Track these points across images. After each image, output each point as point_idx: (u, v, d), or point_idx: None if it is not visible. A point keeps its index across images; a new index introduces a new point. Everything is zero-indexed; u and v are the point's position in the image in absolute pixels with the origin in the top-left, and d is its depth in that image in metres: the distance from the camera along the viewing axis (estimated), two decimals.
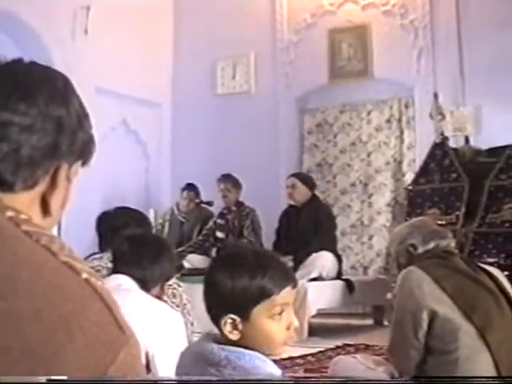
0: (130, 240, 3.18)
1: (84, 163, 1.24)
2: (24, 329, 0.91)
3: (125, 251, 3.10)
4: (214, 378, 2.04)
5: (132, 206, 4.57)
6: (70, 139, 1.17)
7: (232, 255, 2.23)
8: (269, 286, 2.06)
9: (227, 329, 2.05)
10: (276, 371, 2.06)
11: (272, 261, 2.16)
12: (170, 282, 3.64)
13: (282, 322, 2.09)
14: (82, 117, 1.21)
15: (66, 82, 1.22)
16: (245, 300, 2.04)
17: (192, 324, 3.84)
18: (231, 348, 2.06)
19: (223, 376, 2.00)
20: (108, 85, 8.86)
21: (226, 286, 2.05)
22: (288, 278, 2.13)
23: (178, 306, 3.73)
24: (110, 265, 3.33)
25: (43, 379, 0.88)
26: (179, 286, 3.96)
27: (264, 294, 2.05)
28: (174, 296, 3.74)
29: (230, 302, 2.05)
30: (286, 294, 2.10)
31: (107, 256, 3.66)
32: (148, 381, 0.97)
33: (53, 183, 1.16)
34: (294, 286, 2.15)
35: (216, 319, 2.09)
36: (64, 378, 0.89)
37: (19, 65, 1.21)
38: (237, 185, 8.41)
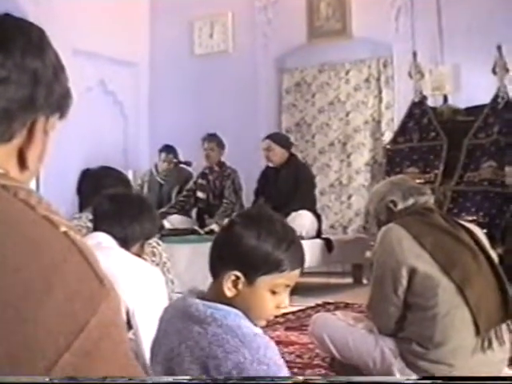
0: (111, 199, 3.17)
1: (61, 116, 1.23)
2: (3, 283, 0.90)
3: (106, 209, 3.09)
4: (195, 336, 2.05)
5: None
6: (47, 91, 1.16)
7: (261, 216, 2.19)
8: (286, 261, 2.07)
9: (227, 284, 2.05)
10: (259, 332, 2.07)
11: (295, 239, 2.17)
12: (150, 241, 3.63)
13: (276, 299, 2.11)
14: (59, 69, 1.20)
15: (41, 33, 1.21)
16: (259, 264, 2.06)
17: (172, 282, 3.84)
18: (217, 305, 2.06)
19: (207, 333, 2.01)
20: (84, 45, 8.80)
21: (248, 244, 2.05)
22: (302, 261, 2.16)
23: (157, 264, 3.73)
24: (89, 224, 3.32)
25: (44, 379, 0.87)
26: (159, 244, 3.96)
27: (278, 268, 2.07)
28: (154, 254, 3.73)
29: (244, 260, 2.06)
30: (293, 275, 2.12)
31: (86, 215, 3.65)
32: (148, 381, 0.96)
33: (30, 136, 1.15)
34: (302, 271, 2.16)
35: (218, 271, 2.10)
36: (64, 377, 0.89)
37: None
38: (220, 145, 8.40)
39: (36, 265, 0.93)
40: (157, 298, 2.85)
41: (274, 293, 2.10)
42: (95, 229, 3.08)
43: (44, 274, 0.93)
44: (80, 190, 4.08)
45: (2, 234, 0.94)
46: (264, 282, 2.07)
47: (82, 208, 3.96)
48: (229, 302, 2.07)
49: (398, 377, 3.61)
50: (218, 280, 2.09)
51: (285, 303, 2.15)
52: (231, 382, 1.30)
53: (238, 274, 2.05)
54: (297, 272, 2.13)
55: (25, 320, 0.89)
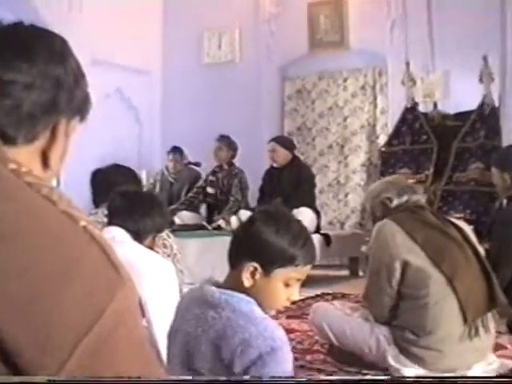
0: (124, 195, 3.17)
1: (81, 119, 1.24)
2: (28, 276, 0.90)
3: (119, 205, 3.10)
4: (211, 320, 2.05)
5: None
6: (68, 96, 1.16)
7: (280, 215, 2.23)
8: (300, 257, 2.11)
9: (246, 274, 2.08)
10: (265, 317, 2.08)
11: (309, 237, 2.21)
12: (161, 234, 3.61)
13: (288, 291, 2.14)
14: (79, 76, 1.21)
15: (63, 43, 1.22)
16: (275, 258, 2.09)
17: (182, 272, 3.82)
18: (232, 292, 2.09)
19: (221, 318, 2.03)
20: (103, 56, 8.80)
21: (267, 239, 2.09)
22: (314, 258, 2.20)
23: (168, 255, 3.71)
24: (105, 219, 3.32)
25: (43, 379, 0.87)
26: (169, 236, 3.95)
27: (292, 262, 2.10)
28: (165, 246, 3.73)
29: (263, 253, 2.09)
30: (305, 270, 2.16)
31: (101, 211, 3.64)
32: (149, 381, 0.96)
33: (52, 138, 1.15)
34: (312, 266, 2.19)
35: (237, 262, 2.13)
36: (64, 378, 0.89)
37: (20, 27, 1.20)
38: (230, 146, 8.38)
39: (57, 257, 0.93)
40: (168, 289, 2.86)
41: (287, 285, 2.13)
42: (109, 223, 3.07)
43: (64, 266, 0.93)
44: (93, 187, 4.07)
45: (25, 228, 0.94)
46: (279, 274, 2.10)
47: (97, 204, 3.95)
48: (245, 290, 2.09)
49: (392, 362, 3.61)
50: (236, 270, 2.12)
51: (295, 295, 2.19)
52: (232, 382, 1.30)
53: (256, 265, 2.08)
54: (308, 267, 2.17)
55: (47, 309, 0.89)
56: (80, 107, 1.21)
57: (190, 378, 0.99)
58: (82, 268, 0.94)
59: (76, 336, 0.90)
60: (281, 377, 1.85)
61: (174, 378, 0.99)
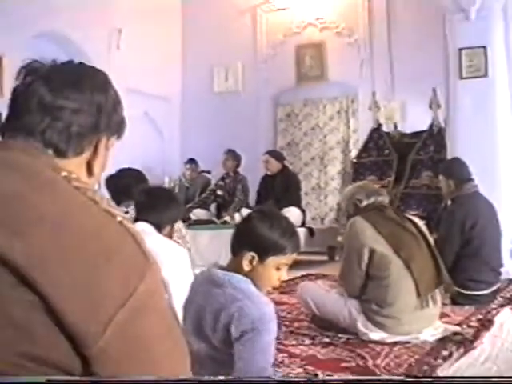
0: (147, 193, 3.12)
1: (118, 137, 1.25)
2: (76, 258, 0.91)
3: (143, 201, 3.03)
4: (215, 295, 2.06)
5: (146, 173, 4.40)
6: (108, 119, 1.18)
7: (272, 213, 2.27)
8: (289, 246, 2.14)
9: (245, 261, 2.11)
10: (260, 295, 2.10)
11: (295, 231, 2.24)
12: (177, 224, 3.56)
13: (278, 273, 2.16)
14: (117, 103, 1.22)
15: (104, 77, 1.23)
16: (270, 248, 2.11)
17: (190, 250, 3.73)
18: (233, 274, 2.11)
19: (225, 294, 2.06)
20: (134, 85, 8.78)
21: (263, 233, 2.11)
22: (299, 247, 2.21)
23: (179, 238, 3.65)
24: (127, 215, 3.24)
25: (43, 379, 0.87)
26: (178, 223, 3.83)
27: (282, 251, 2.13)
28: (176, 231, 3.63)
29: (259, 244, 2.11)
30: (292, 256, 2.18)
31: (120, 209, 3.54)
32: (149, 381, 0.96)
33: (95, 151, 1.17)
34: (298, 253, 2.22)
35: (238, 250, 2.15)
36: (64, 377, 0.89)
37: (70, 64, 1.21)
38: (235, 157, 8.37)
39: (99, 243, 0.94)
40: (183, 270, 2.83)
41: (277, 269, 2.15)
42: (138, 218, 3.01)
43: (106, 251, 0.94)
44: (110, 190, 3.91)
45: (75, 222, 0.95)
46: (272, 261, 2.12)
47: (117, 204, 3.79)
48: (244, 273, 2.12)
49: (361, 328, 3.61)
50: (237, 257, 2.14)
51: (284, 276, 2.20)
52: (232, 382, 1.29)
53: (254, 254, 2.11)
54: (295, 254, 2.19)
55: (91, 283, 0.90)
56: (117, 128, 1.22)
57: (190, 378, 0.98)
58: (120, 253, 0.95)
59: (115, 306, 0.90)
60: (284, 376, 1.85)
61: (174, 378, 0.97)
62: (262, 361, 1.97)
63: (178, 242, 3.38)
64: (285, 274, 2.19)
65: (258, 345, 1.97)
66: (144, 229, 2.89)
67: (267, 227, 2.12)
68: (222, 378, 1.76)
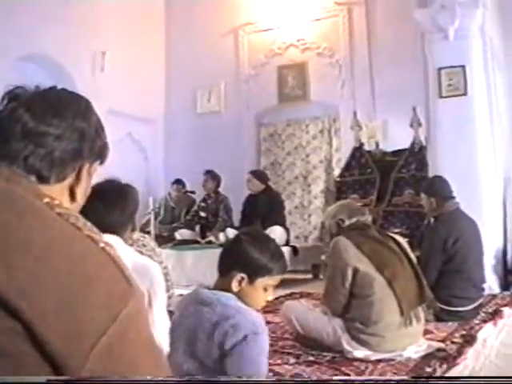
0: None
1: (101, 162, 1.26)
2: (59, 285, 0.91)
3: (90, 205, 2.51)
4: (206, 315, 2.06)
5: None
6: (90, 145, 1.18)
7: (261, 235, 2.32)
8: (276, 269, 2.19)
9: (234, 282, 2.13)
10: (251, 310, 2.12)
11: (282, 253, 2.28)
12: (138, 236, 3.42)
13: (265, 294, 2.20)
14: (99, 128, 1.22)
15: (87, 103, 1.23)
16: (259, 270, 2.15)
17: (161, 263, 3.40)
18: (221, 292, 2.14)
19: (214, 313, 2.07)
20: (117, 107, 8.79)
21: (253, 256, 2.14)
22: (285, 270, 2.25)
23: (149, 251, 3.52)
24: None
25: (43, 379, 0.87)
26: (144, 237, 3.62)
27: (271, 272, 2.17)
28: (144, 245, 3.55)
29: (250, 266, 2.14)
30: (278, 278, 2.22)
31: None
32: (149, 381, 0.96)
33: (78, 177, 1.17)
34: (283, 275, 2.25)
35: (227, 271, 2.17)
36: (64, 378, 0.88)
37: (53, 90, 1.21)
38: (214, 178, 8.43)
39: (83, 270, 0.94)
40: (158, 287, 2.55)
41: (265, 290, 2.19)
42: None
43: (88, 277, 0.94)
44: None
45: (58, 249, 0.94)
46: (260, 282, 2.16)
47: None
48: (232, 293, 2.14)
49: (346, 346, 3.60)
50: (226, 278, 2.16)
51: (270, 297, 2.24)
52: (232, 382, 1.28)
53: (244, 275, 2.14)
54: (281, 276, 2.23)
55: (75, 311, 0.90)
56: (100, 153, 1.22)
57: (189, 378, 0.98)
58: (102, 280, 0.95)
59: (97, 333, 0.90)
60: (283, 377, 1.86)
61: (174, 378, 0.98)
62: (251, 372, 1.98)
63: (149, 256, 3.24)
64: (271, 294, 2.23)
65: (246, 356, 1.99)
66: (110, 242, 2.64)
67: (257, 250, 2.16)
68: (223, 378, 1.79)
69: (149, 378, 0.96)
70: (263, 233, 2.50)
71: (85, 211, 2.07)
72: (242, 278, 2.14)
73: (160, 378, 0.98)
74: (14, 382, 0.87)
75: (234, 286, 2.13)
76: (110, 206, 2.53)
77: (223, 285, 2.17)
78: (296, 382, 1.32)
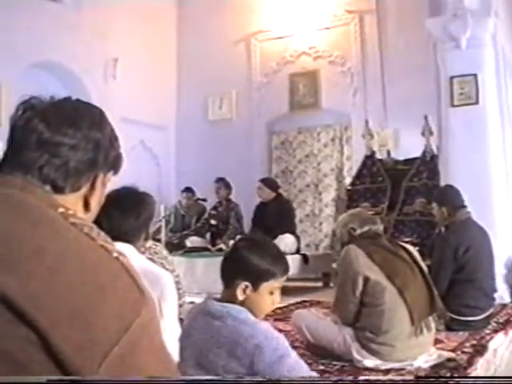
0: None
1: (115, 172, 1.26)
2: (73, 295, 0.91)
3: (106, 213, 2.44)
4: (216, 328, 2.07)
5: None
6: (105, 155, 1.18)
7: (258, 240, 2.29)
8: (279, 271, 2.17)
9: (239, 291, 2.11)
10: (260, 322, 2.12)
11: (283, 255, 2.26)
12: (150, 244, 3.36)
13: (272, 297, 2.18)
14: (113, 139, 1.23)
15: (101, 113, 1.23)
16: (262, 275, 2.13)
17: (173, 271, 3.38)
18: (230, 305, 2.12)
19: (226, 326, 2.07)
20: (130, 115, 8.85)
21: (254, 263, 2.12)
22: (287, 270, 2.23)
23: (162, 259, 3.53)
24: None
25: (44, 379, 0.88)
26: (156, 245, 3.60)
27: (274, 276, 2.15)
28: (156, 253, 3.54)
29: (252, 273, 2.12)
30: (282, 280, 2.20)
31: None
32: (148, 381, 0.97)
33: (92, 187, 1.18)
34: (292, 279, 2.27)
35: (230, 281, 2.15)
36: (64, 378, 0.89)
37: (68, 101, 1.22)
38: (226, 185, 8.47)
39: (96, 281, 0.94)
40: (171, 296, 2.59)
41: (271, 293, 2.16)
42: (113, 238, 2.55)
43: (102, 287, 0.94)
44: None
45: (72, 259, 0.95)
46: (265, 287, 2.14)
47: None
48: (239, 303, 2.13)
49: (356, 355, 3.60)
50: (231, 288, 2.15)
51: (278, 300, 2.22)
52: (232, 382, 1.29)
53: (247, 283, 2.12)
54: (285, 277, 2.21)
55: (88, 321, 0.91)
56: (114, 164, 1.23)
57: (189, 378, 0.98)
58: (115, 289, 0.95)
59: (110, 342, 0.91)
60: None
61: (175, 378, 0.98)
62: (304, 374, 2.03)
63: (161, 264, 3.27)
64: (278, 297, 2.21)
65: (292, 366, 2.01)
66: (123, 251, 2.63)
67: (257, 255, 2.13)
68: (223, 378, 1.80)
69: (150, 378, 0.96)
70: (261, 237, 2.49)
71: (100, 217, 2.06)
72: (246, 286, 2.11)
73: (161, 378, 0.98)
74: (15, 381, 0.87)
75: (239, 294, 2.11)
76: (126, 213, 2.53)
77: (229, 296, 2.15)
78: (296, 381, 1.32)
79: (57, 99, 1.19)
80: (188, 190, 9.00)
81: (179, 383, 1.01)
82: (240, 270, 2.14)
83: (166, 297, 2.53)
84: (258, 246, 2.19)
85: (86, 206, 1.18)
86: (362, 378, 3.19)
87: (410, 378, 3.26)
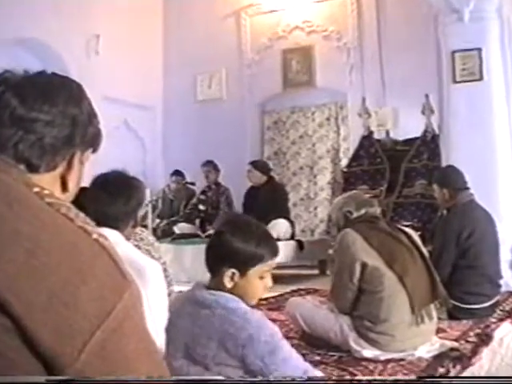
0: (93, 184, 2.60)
1: (94, 150, 1.25)
2: (49, 277, 0.91)
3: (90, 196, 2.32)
4: (204, 317, 2.06)
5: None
6: (83, 132, 1.18)
7: (241, 222, 2.25)
8: (267, 254, 2.14)
9: (226, 279, 2.10)
10: (252, 310, 2.12)
11: (269, 235, 2.24)
12: (136, 230, 3.27)
13: (263, 281, 2.17)
14: (92, 115, 1.22)
15: (79, 87, 1.22)
16: (248, 260, 2.11)
17: (160, 259, 3.41)
18: (219, 293, 2.11)
19: (214, 315, 2.06)
20: (113, 93, 8.80)
21: (237, 247, 2.09)
22: (276, 252, 2.21)
23: (148, 245, 3.50)
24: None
25: (43, 379, 0.87)
26: (142, 231, 3.59)
27: (262, 260, 2.13)
28: (142, 239, 3.51)
29: (237, 259, 2.10)
30: (272, 262, 2.18)
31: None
32: (146, 381, 0.96)
33: (69, 166, 1.17)
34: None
35: (216, 269, 2.14)
36: (64, 377, 0.89)
37: (43, 75, 1.21)
38: (215, 168, 8.50)
39: (74, 262, 0.94)
40: (158, 286, 2.46)
41: (261, 278, 2.16)
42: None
43: (80, 270, 0.93)
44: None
45: (48, 240, 0.94)
46: (254, 272, 2.12)
47: None
48: (228, 291, 2.12)
49: (353, 345, 3.61)
50: (218, 275, 2.13)
51: (270, 284, 2.21)
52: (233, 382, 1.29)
53: (233, 270, 2.10)
54: (274, 259, 2.19)
55: (66, 304, 0.90)
56: (93, 141, 1.22)
57: (189, 378, 0.98)
58: (95, 272, 0.95)
59: (90, 328, 0.90)
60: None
61: (175, 378, 0.98)
62: (298, 367, 2.04)
63: (147, 251, 3.25)
64: (269, 281, 2.20)
65: (284, 359, 2.02)
66: (110, 236, 2.60)
67: (241, 240, 2.11)
68: (222, 378, 1.80)
69: (148, 377, 0.95)
70: (243, 218, 2.45)
71: (87, 200, 1.99)
72: (233, 274, 2.10)
73: (159, 379, 0.97)
74: (13, 382, 0.87)
75: (227, 282, 2.10)
76: (114, 196, 2.51)
77: (216, 284, 2.14)
78: (296, 382, 1.33)
79: (31, 73, 1.18)
80: (178, 173, 8.98)
81: (179, 383, 1.00)
82: (225, 256, 2.12)
83: (154, 286, 2.51)
84: (241, 230, 2.16)
85: (64, 185, 1.17)
86: (363, 378, 3.19)
87: (413, 377, 3.27)
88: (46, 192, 1.03)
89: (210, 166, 8.46)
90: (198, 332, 2.07)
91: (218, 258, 2.14)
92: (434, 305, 3.69)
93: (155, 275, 2.53)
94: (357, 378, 3.19)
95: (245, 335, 1.99)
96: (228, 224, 2.25)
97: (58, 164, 1.14)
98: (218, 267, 2.13)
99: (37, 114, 1.10)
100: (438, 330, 3.93)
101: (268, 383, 1.31)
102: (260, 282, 2.16)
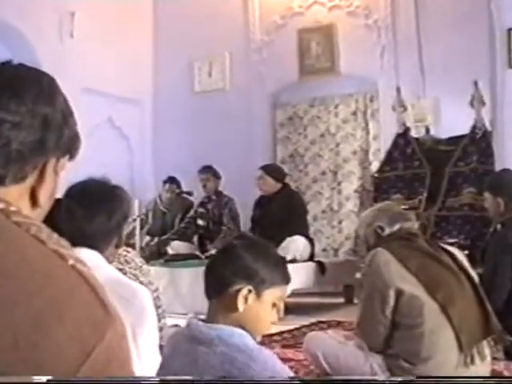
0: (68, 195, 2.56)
1: (71, 157, 1.24)
2: (16, 313, 0.91)
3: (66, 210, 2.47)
4: (202, 356, 2.06)
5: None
6: (57, 135, 1.16)
7: (255, 239, 2.39)
8: (283, 275, 2.23)
9: (241, 299, 2.12)
10: (262, 347, 2.12)
11: (284, 262, 2.34)
12: (120, 251, 3.29)
13: (273, 314, 2.21)
14: (67, 114, 1.21)
15: (51, 81, 1.21)
16: (265, 279, 2.15)
17: (151, 283, 3.48)
18: (221, 326, 2.11)
19: (215, 353, 2.05)
20: (93, 85, 8.83)
21: (254, 262, 2.16)
22: (289, 279, 2.28)
23: (135, 269, 3.50)
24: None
25: (43, 379, 0.88)
26: (128, 251, 3.58)
27: (280, 281, 2.21)
28: (128, 262, 3.52)
29: (253, 276, 2.14)
30: (286, 288, 2.28)
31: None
32: (146, 381, 0.97)
33: (41, 177, 1.16)
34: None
35: (224, 290, 2.15)
36: (64, 378, 0.89)
37: (8, 67, 1.20)
38: (216, 175, 8.46)
39: (46, 295, 0.93)
40: (149, 318, 2.52)
41: (274, 305, 2.19)
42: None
43: (53, 304, 0.93)
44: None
45: (14, 268, 0.94)
46: (270, 294, 2.17)
47: None
48: (231, 319, 2.13)
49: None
50: (224, 297, 2.15)
51: (281, 315, 2.24)
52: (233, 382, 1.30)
53: (250, 287, 2.13)
54: (287, 285, 2.27)
55: (36, 348, 0.90)
56: (69, 146, 1.21)
57: (189, 378, 0.98)
58: (71, 305, 0.94)
59: (66, 372, 0.90)
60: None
61: (174, 378, 0.99)
62: None
63: (134, 275, 3.27)
64: (282, 307, 2.24)
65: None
66: (89, 259, 2.63)
67: (258, 256, 2.18)
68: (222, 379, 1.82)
69: (149, 378, 0.96)
70: (255, 236, 2.52)
71: (59, 218, 2.07)
72: (249, 291, 2.12)
73: (159, 378, 0.98)
74: (14, 382, 0.88)
75: (240, 304, 2.11)
76: (93, 210, 2.50)
77: (220, 309, 2.15)
78: (296, 382, 1.35)
79: None
80: (172, 180, 8.97)
81: (179, 383, 1.01)
82: (238, 271, 2.14)
83: (142, 320, 2.50)
84: (256, 246, 2.24)
85: (34, 200, 1.16)
86: (363, 378, 3.18)
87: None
88: (12, 209, 1.03)
89: (209, 172, 8.43)
90: (193, 373, 2.07)
91: (229, 274, 2.15)
92: (486, 342, 3.68)
93: (144, 305, 2.52)
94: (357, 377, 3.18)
95: (248, 375, 1.99)
96: (243, 238, 2.33)
97: (28, 174, 1.13)
98: (227, 287, 2.14)
99: (3, 114, 1.10)
100: (493, 373, 3.92)
101: (267, 383, 1.33)
102: (271, 311, 2.19)
